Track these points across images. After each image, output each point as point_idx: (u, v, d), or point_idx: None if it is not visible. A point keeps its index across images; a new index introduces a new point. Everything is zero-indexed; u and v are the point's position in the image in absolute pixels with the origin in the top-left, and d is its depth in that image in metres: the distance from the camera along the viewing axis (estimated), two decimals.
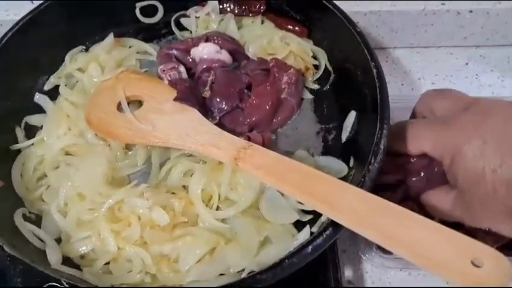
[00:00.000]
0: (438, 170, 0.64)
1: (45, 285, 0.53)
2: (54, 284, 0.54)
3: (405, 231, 0.50)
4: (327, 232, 0.56)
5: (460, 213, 0.60)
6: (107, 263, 0.63)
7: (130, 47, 0.84)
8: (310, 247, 0.55)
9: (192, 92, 0.72)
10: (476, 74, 0.98)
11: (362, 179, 0.59)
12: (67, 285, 0.53)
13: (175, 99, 0.71)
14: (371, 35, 0.97)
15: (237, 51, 0.79)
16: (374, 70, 0.67)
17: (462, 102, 0.62)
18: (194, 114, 0.69)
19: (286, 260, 0.54)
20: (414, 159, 0.66)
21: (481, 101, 0.60)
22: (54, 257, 0.62)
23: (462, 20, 0.96)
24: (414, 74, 0.98)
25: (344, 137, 0.74)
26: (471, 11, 0.94)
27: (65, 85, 0.79)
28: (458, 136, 0.58)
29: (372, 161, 0.60)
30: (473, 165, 0.55)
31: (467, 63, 1.00)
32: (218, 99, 0.72)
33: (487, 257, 0.47)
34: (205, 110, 0.72)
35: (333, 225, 0.55)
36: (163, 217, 0.62)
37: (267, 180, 0.61)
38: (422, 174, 0.67)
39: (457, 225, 0.59)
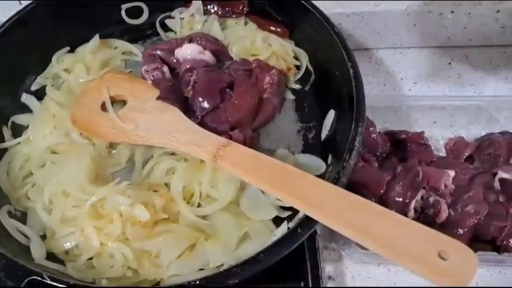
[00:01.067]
0: None
1: (27, 279, 0.54)
2: (36, 277, 0.55)
3: (375, 225, 0.52)
4: (302, 227, 0.57)
5: None
6: (90, 258, 0.64)
7: (115, 47, 0.85)
8: (284, 241, 0.57)
9: (175, 91, 0.74)
10: (459, 74, 1.00)
11: (337, 176, 0.61)
12: (48, 279, 0.54)
13: (158, 98, 0.73)
14: (354, 36, 0.99)
15: (220, 52, 0.81)
16: (351, 70, 0.69)
17: None
18: (176, 113, 0.71)
19: (262, 254, 0.56)
20: None
21: None
22: (38, 252, 0.63)
23: (444, 20, 0.97)
24: (396, 74, 0.99)
25: (323, 136, 0.75)
26: (453, 12, 0.96)
27: (52, 85, 0.80)
28: None
29: (347, 157, 0.62)
30: None
31: (449, 63, 1.01)
32: (200, 99, 0.74)
33: (453, 250, 0.49)
34: (188, 109, 0.74)
35: (308, 220, 0.57)
36: (144, 213, 0.64)
37: (245, 177, 0.63)
38: None
39: None
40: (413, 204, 0.73)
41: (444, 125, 0.88)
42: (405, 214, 0.72)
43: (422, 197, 0.74)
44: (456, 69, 1.00)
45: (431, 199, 0.73)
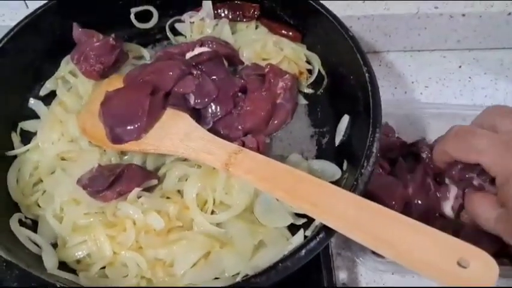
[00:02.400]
0: None
1: None
2: None
3: (393, 233, 0.51)
4: (321, 235, 0.56)
5: (502, 230, 0.61)
6: (103, 268, 0.63)
7: (126, 51, 0.84)
8: (303, 250, 0.55)
9: (185, 97, 0.72)
10: (470, 77, 0.99)
11: (355, 183, 0.60)
12: None
13: (168, 105, 0.71)
14: (364, 39, 0.98)
15: (231, 56, 0.80)
16: (367, 74, 0.68)
17: None
18: (186, 120, 0.70)
19: (280, 264, 0.55)
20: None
21: None
22: (50, 262, 0.62)
23: (455, 23, 0.97)
24: (407, 78, 0.99)
25: (337, 141, 0.74)
26: (464, 15, 0.95)
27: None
28: None
29: (365, 164, 0.61)
30: None
31: (460, 66, 1.01)
32: (212, 104, 0.73)
33: (473, 258, 0.48)
34: (199, 116, 0.72)
35: (326, 228, 0.56)
36: (158, 221, 0.63)
37: (258, 185, 0.61)
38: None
39: None
40: None
41: None
42: None
43: None
44: (467, 72, 1.00)
45: None
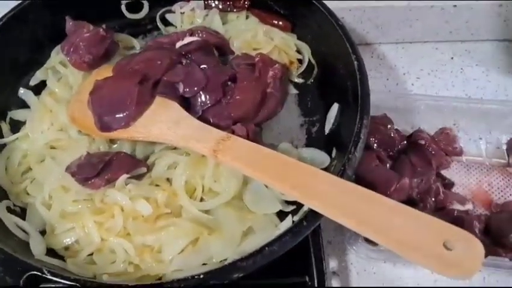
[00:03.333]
0: None
1: (26, 274, 0.53)
2: (35, 273, 0.53)
3: (379, 216, 0.51)
4: (307, 220, 0.56)
5: None
6: (91, 254, 0.63)
7: (117, 42, 0.84)
8: (289, 234, 0.55)
9: (173, 85, 0.72)
10: (461, 69, 0.99)
11: (342, 168, 0.60)
12: (48, 274, 0.53)
13: (157, 94, 0.71)
14: (356, 31, 0.98)
15: (221, 45, 0.80)
16: (355, 63, 0.69)
17: None
18: (175, 107, 0.70)
19: (267, 248, 0.55)
20: None
21: None
22: (37, 248, 0.62)
23: (446, 15, 0.97)
24: (399, 69, 0.99)
25: (327, 129, 0.75)
26: (455, 6, 0.95)
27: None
28: None
29: (352, 150, 0.61)
30: None
31: (452, 58, 1.01)
32: (201, 93, 0.72)
33: (458, 240, 0.48)
34: (188, 104, 0.72)
35: (313, 213, 0.56)
36: (146, 208, 0.63)
37: (246, 171, 0.61)
38: None
39: None
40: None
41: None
42: None
43: None
44: (459, 64, 1.00)
45: None
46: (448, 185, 0.81)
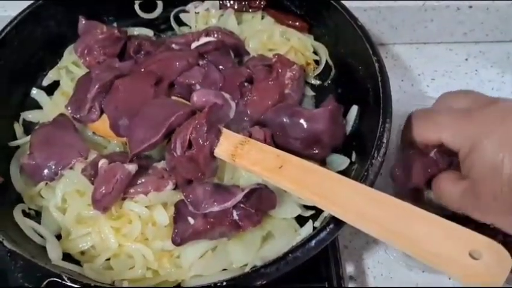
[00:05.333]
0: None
1: (46, 281, 0.52)
2: (55, 279, 0.53)
3: (403, 224, 0.50)
4: (330, 226, 0.56)
5: (468, 204, 0.60)
6: (108, 259, 0.62)
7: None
8: (313, 241, 0.55)
9: (190, 87, 0.71)
10: (476, 70, 0.98)
11: (365, 173, 0.59)
12: (67, 281, 0.52)
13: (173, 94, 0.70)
14: (371, 31, 0.96)
15: (237, 46, 0.79)
16: (376, 64, 0.68)
17: (482, 100, 0.62)
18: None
19: (290, 254, 0.54)
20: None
21: (502, 101, 0.60)
22: (54, 253, 0.61)
23: (462, 15, 0.96)
24: (414, 70, 0.98)
25: (346, 131, 0.73)
26: (471, 7, 0.94)
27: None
28: (480, 128, 0.58)
29: (375, 155, 0.60)
30: (492, 158, 0.55)
31: (466, 59, 1.00)
32: None
33: (485, 249, 0.47)
34: None
35: (335, 219, 0.55)
36: (163, 217, 0.62)
37: (265, 176, 0.60)
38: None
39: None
40: None
41: None
42: None
43: None
44: (473, 65, 0.99)
45: None
46: None
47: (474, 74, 0.98)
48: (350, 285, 0.74)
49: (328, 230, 0.55)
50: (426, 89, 0.95)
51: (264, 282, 0.53)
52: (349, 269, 0.75)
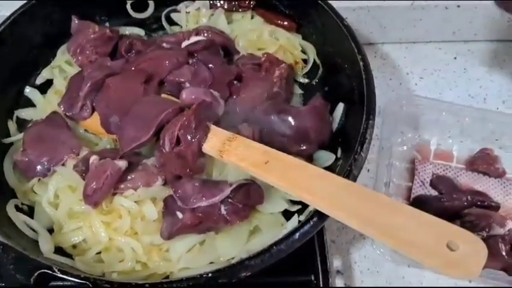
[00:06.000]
0: None
1: (37, 272, 0.54)
2: (45, 271, 0.54)
3: (383, 216, 0.52)
4: (314, 219, 0.57)
5: None
6: (99, 252, 0.64)
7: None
8: (297, 234, 0.56)
9: (180, 84, 0.73)
10: (465, 69, 1.00)
11: (348, 168, 0.60)
12: (58, 272, 0.54)
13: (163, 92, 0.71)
14: (360, 31, 0.98)
15: (227, 45, 0.81)
16: (361, 63, 0.69)
17: None
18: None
19: (275, 247, 0.55)
20: None
21: None
22: (46, 246, 0.63)
23: (450, 15, 0.97)
24: (402, 69, 0.99)
25: (332, 128, 0.75)
26: (459, 6, 0.95)
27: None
28: None
29: (359, 150, 0.62)
30: None
31: (455, 58, 1.01)
32: None
33: (462, 240, 0.48)
34: None
35: (320, 213, 0.57)
36: (152, 212, 0.64)
37: (252, 172, 0.61)
38: None
39: None
40: None
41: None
42: None
43: None
44: (462, 64, 1.00)
45: None
46: (494, 207, 0.76)
47: (463, 73, 0.99)
48: (337, 279, 0.75)
49: (312, 223, 0.57)
50: (415, 88, 0.96)
51: (249, 273, 0.55)
52: (336, 263, 0.77)
